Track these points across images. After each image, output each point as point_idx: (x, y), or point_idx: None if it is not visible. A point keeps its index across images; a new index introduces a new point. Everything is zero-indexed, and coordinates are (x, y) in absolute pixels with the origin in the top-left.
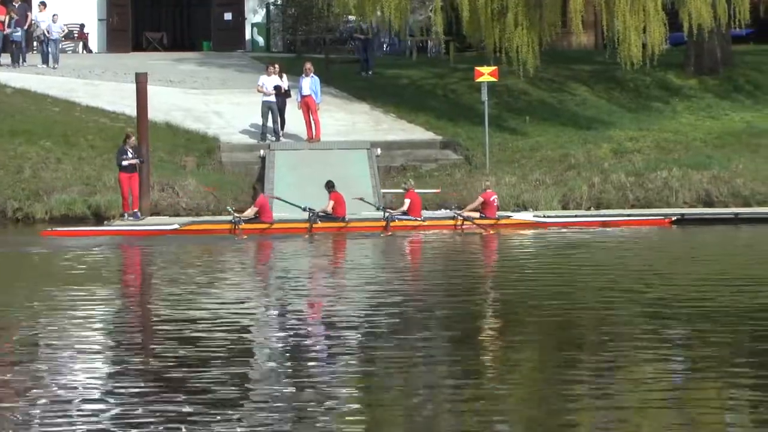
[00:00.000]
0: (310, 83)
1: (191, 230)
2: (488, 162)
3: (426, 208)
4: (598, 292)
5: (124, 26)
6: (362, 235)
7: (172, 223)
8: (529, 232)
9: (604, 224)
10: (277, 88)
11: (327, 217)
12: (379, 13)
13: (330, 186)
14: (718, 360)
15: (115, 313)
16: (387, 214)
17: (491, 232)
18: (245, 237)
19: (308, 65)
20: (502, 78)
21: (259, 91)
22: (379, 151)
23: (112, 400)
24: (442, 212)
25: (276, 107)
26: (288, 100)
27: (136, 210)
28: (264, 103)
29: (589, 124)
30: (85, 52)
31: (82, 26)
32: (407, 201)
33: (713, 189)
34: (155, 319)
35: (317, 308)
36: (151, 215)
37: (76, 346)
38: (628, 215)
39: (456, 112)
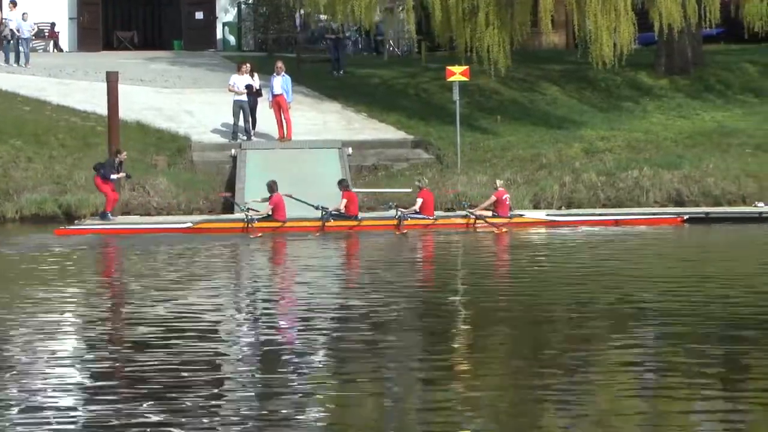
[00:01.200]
0: (281, 82)
1: (204, 228)
2: (459, 161)
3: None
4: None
5: (95, 25)
6: (377, 234)
7: (185, 221)
8: (542, 230)
9: (617, 222)
10: (248, 87)
11: (340, 215)
12: (349, 12)
13: (344, 185)
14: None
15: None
16: (399, 213)
17: (504, 230)
18: (259, 235)
19: (279, 64)
20: (473, 77)
21: (230, 90)
22: (350, 150)
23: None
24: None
25: (247, 106)
26: (259, 100)
27: (108, 211)
28: (235, 102)
29: (560, 123)
30: (55, 51)
31: (52, 25)
32: (419, 200)
33: (684, 188)
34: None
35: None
36: (122, 214)
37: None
38: (641, 214)
39: (427, 111)
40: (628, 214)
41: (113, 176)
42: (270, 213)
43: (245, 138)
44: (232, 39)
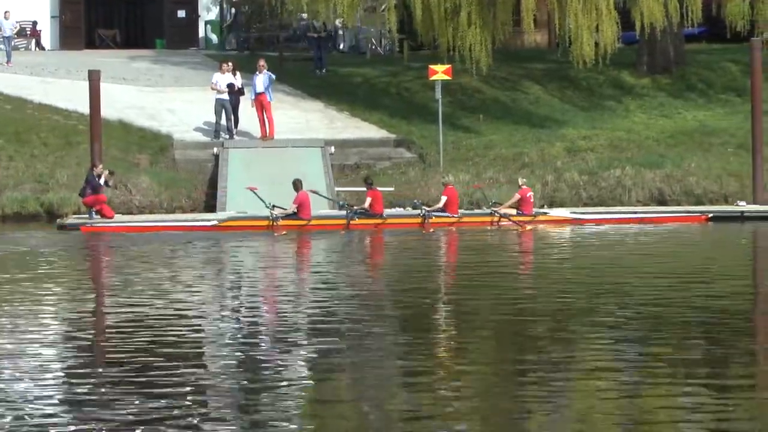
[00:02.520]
0: (263, 80)
1: (230, 226)
2: (442, 160)
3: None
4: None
5: (77, 23)
6: (405, 232)
7: (211, 219)
8: (567, 228)
9: (641, 221)
10: (230, 85)
11: (365, 213)
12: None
13: (368, 182)
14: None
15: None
16: (424, 212)
17: (528, 228)
18: (284, 233)
19: (261, 62)
20: (455, 76)
21: (212, 89)
22: (332, 149)
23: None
24: (398, 210)
25: (229, 105)
26: (241, 98)
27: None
28: (217, 100)
29: (543, 122)
30: (37, 49)
31: (34, 23)
32: (444, 198)
33: (666, 188)
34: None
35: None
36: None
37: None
38: (665, 212)
39: (410, 110)
40: (652, 212)
41: (101, 185)
42: (295, 211)
43: (227, 137)
44: (214, 37)
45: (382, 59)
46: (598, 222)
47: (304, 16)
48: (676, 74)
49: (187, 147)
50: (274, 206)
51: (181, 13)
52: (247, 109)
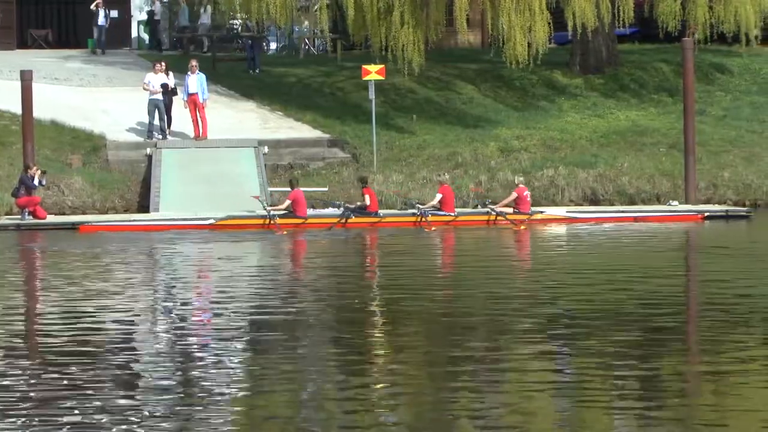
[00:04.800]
0: (196, 81)
1: (226, 225)
2: (376, 160)
3: (313, 207)
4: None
5: (9, 23)
6: (402, 231)
7: (208, 218)
8: (562, 227)
9: (636, 220)
10: (164, 86)
11: (361, 212)
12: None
13: (363, 181)
14: None
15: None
16: (420, 210)
17: (523, 227)
18: (284, 232)
19: (194, 62)
20: (389, 76)
21: (145, 89)
22: (266, 149)
23: None
24: (330, 211)
25: (162, 105)
26: (174, 98)
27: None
28: (150, 101)
29: (476, 122)
30: None
31: None
32: (439, 195)
33: (599, 187)
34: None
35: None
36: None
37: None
38: (660, 211)
39: (343, 110)
40: (648, 211)
41: (35, 186)
42: (290, 209)
43: (161, 137)
44: (146, 37)
45: (315, 59)
46: (594, 221)
47: (237, 16)
48: (608, 74)
49: (120, 147)
50: (270, 203)
51: (114, 14)
52: (180, 109)
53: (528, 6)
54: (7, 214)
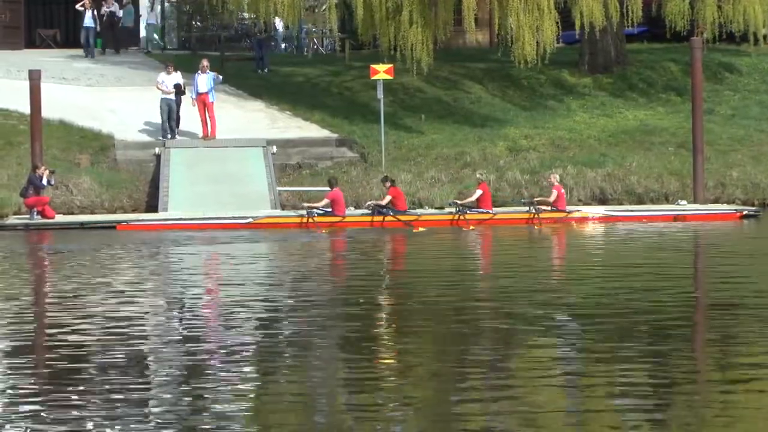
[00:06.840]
0: (206, 80)
1: (265, 223)
2: (384, 160)
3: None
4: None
5: (17, 23)
6: (442, 230)
7: (246, 216)
8: (600, 226)
9: (675, 218)
10: (177, 86)
11: (396, 211)
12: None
13: (389, 181)
14: None
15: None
16: (458, 207)
17: (551, 225)
18: (324, 231)
19: (204, 62)
20: (397, 76)
21: (158, 88)
22: (274, 148)
23: None
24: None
25: (175, 105)
26: (183, 98)
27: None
28: (163, 100)
29: (484, 122)
30: None
31: None
32: (478, 192)
33: (608, 187)
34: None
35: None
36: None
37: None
38: (699, 210)
39: (351, 109)
40: (687, 210)
41: (44, 185)
42: (329, 208)
43: (169, 136)
44: (155, 37)
45: (323, 59)
46: (632, 219)
47: (246, 15)
48: (617, 74)
49: (128, 147)
50: (308, 200)
51: (120, 13)
52: (188, 108)
53: (536, 5)
54: (15, 213)
